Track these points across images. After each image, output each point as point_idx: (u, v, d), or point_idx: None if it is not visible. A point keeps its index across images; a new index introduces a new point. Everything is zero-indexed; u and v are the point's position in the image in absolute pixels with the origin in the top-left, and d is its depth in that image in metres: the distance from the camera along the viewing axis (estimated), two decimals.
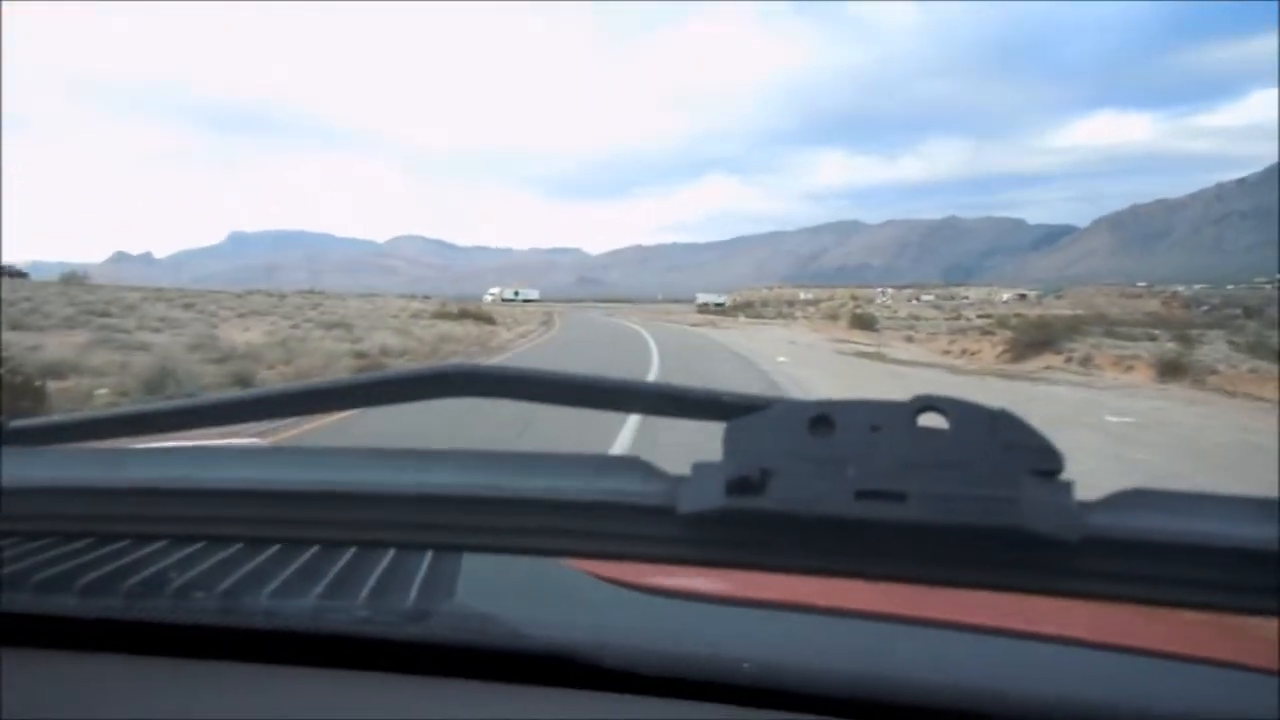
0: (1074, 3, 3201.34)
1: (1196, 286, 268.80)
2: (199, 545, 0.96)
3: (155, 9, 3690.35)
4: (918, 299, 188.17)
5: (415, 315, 47.01)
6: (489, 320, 47.14)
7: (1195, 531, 0.50)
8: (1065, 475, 0.53)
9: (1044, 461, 0.53)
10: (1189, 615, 1.01)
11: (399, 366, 17.56)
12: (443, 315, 46.93)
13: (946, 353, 34.25)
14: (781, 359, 25.89)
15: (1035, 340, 29.51)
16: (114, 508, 0.68)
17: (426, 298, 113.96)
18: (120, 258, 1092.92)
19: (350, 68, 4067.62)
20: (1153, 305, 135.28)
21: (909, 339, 44.21)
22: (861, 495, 0.52)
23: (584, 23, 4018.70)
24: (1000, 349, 31.39)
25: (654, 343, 33.09)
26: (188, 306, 38.80)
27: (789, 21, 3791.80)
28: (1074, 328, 33.50)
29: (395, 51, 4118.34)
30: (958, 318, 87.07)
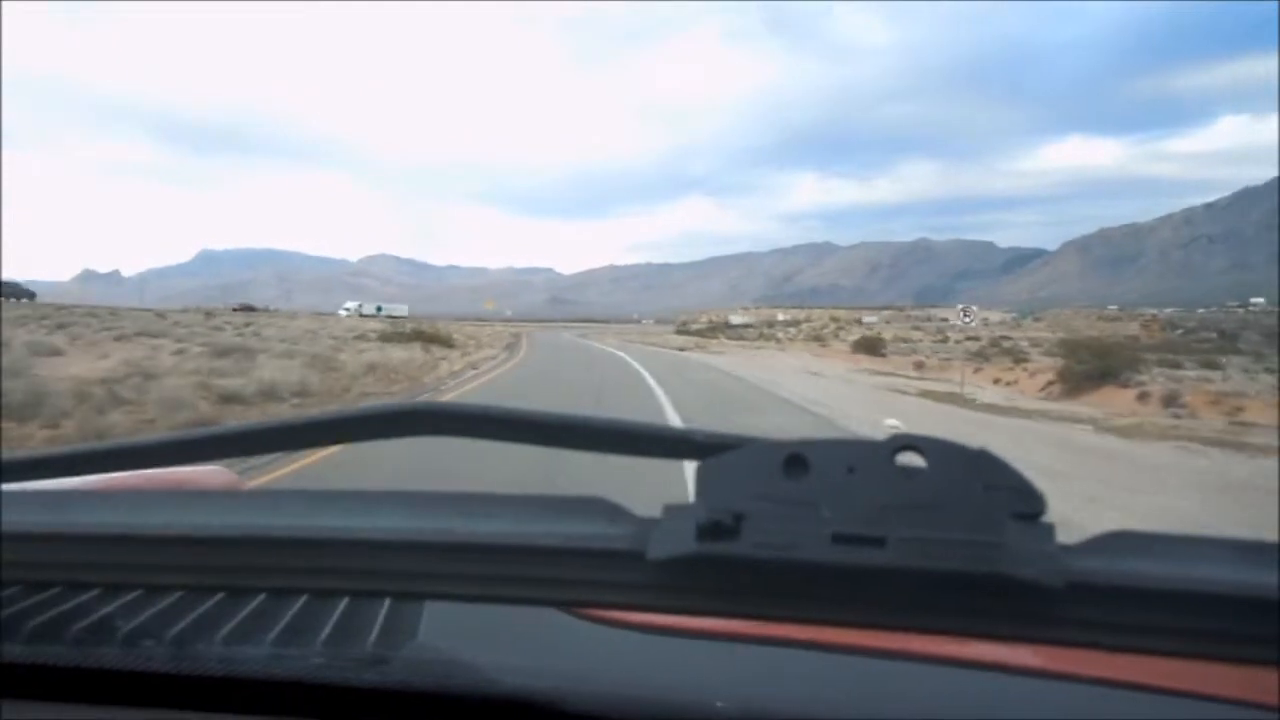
0: (1044, 27, 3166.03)
1: (1167, 310, 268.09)
2: (139, 592, 0.92)
3: (125, 23, 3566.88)
4: (887, 321, 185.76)
5: (360, 337, 41.54)
6: (446, 343, 41.13)
7: (1186, 577, 0.49)
8: (1046, 518, 0.52)
9: (1026, 504, 0.52)
10: None
11: (273, 415, 14.86)
12: (391, 338, 40.71)
13: (996, 381, 29.66)
14: (856, 410, 18.00)
15: (1094, 370, 24.53)
16: (49, 554, 0.66)
17: (392, 316, 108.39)
18: (88, 276, 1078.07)
19: (322, 85, 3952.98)
20: (1132, 329, 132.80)
21: (919, 364, 40.23)
22: (839, 539, 0.51)
23: (557, 42, 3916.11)
24: (1045, 380, 26.87)
25: (650, 378, 25.59)
26: (61, 327, 32.19)
27: (761, 43, 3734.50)
28: (1130, 353, 28.43)
29: (368, 69, 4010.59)
30: (945, 340, 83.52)
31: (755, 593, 0.54)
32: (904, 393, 24.23)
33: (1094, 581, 0.49)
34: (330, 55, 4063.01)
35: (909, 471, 0.53)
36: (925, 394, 23.96)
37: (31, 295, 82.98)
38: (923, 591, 0.51)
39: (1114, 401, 21.31)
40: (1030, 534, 0.50)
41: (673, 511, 0.55)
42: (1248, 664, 0.52)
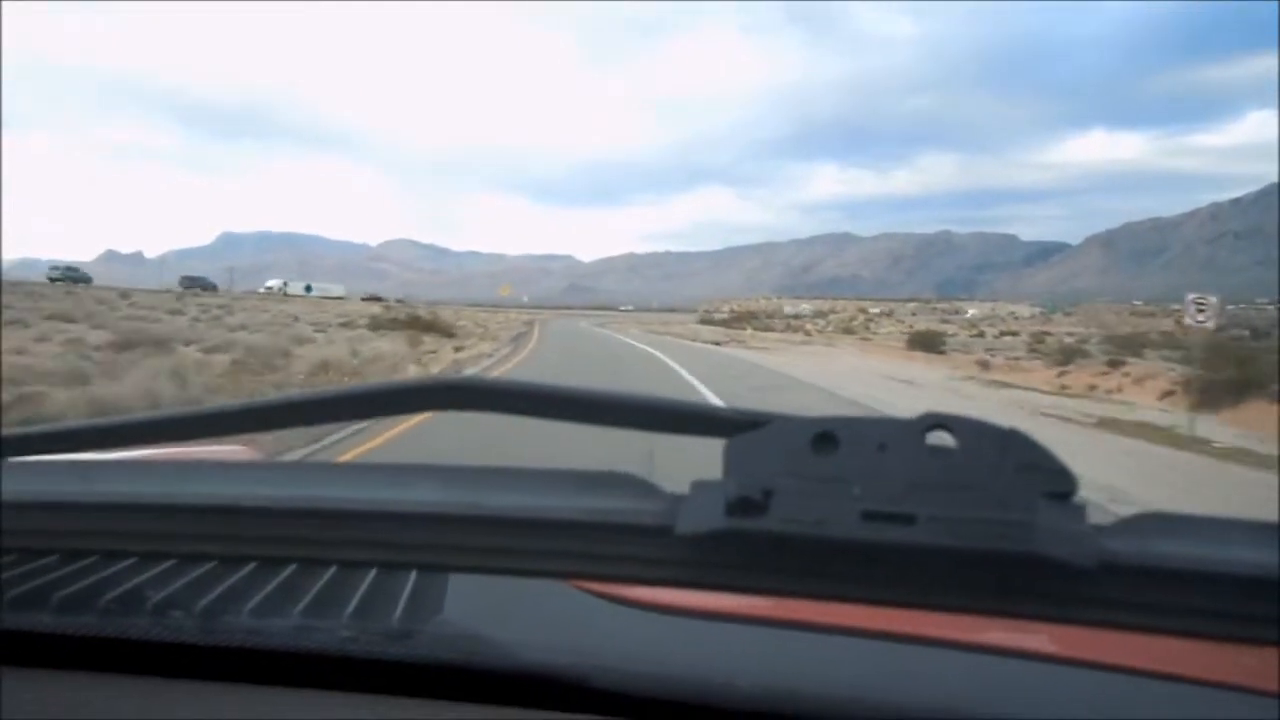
0: (1067, 20, 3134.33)
1: (1163, 307, 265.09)
2: (172, 563, 0.93)
3: (148, 8, 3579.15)
4: (913, 314, 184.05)
5: (348, 324, 37.22)
6: (445, 333, 35.92)
7: (1220, 559, 0.49)
8: (1078, 498, 0.51)
9: (1058, 484, 0.51)
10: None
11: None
12: (385, 325, 35.78)
13: (1065, 389, 24.20)
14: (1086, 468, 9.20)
15: (1235, 380, 18.54)
16: (83, 523, 0.66)
17: (399, 301, 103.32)
18: (111, 256, 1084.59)
19: (344, 71, 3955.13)
20: (1166, 324, 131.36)
21: (983, 363, 35.66)
22: (868, 517, 0.51)
23: (578, 33, 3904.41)
24: (1161, 390, 21.70)
25: (706, 389, 18.34)
26: None
27: (781, 32, 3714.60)
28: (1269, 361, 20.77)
29: (388, 55, 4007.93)
30: (981, 334, 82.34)
31: (783, 569, 0.54)
32: (1065, 420, 16.18)
33: (1127, 562, 0.49)
34: (353, 44, 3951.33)
35: (940, 450, 0.53)
36: (1105, 424, 15.62)
37: (214, 287, 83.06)
38: (953, 570, 0.51)
39: (1266, 420, 15.63)
40: (1062, 514, 0.50)
41: (701, 487, 0.55)
42: (1273, 645, 0.52)
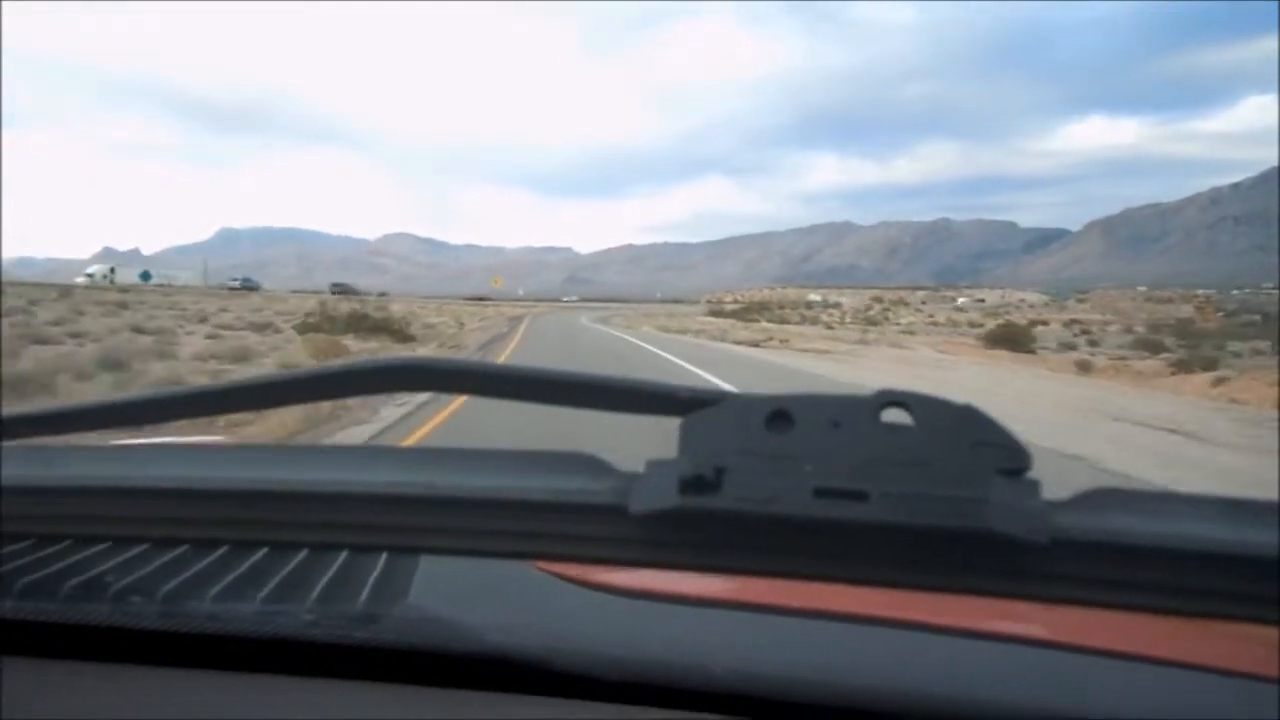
0: (1065, 5, 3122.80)
1: (1199, 292, 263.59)
2: (142, 548, 0.92)
3: (146, 5, 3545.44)
4: (923, 302, 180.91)
5: (267, 326, 29.55)
6: (401, 337, 27.53)
7: (1171, 533, 0.49)
8: (1031, 474, 0.51)
9: (1011, 460, 0.51)
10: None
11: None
12: (314, 328, 26.76)
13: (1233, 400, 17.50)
14: None
15: None
16: (44, 508, 0.66)
17: (386, 294, 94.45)
18: (108, 254, 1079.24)
19: (342, 65, 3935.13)
20: (1185, 311, 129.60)
21: (1083, 365, 28.11)
22: (820, 494, 0.51)
23: (574, 20, 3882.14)
24: None
25: None
26: None
27: (780, 21, 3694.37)
28: None
29: (386, 49, 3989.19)
30: (1085, 330, 75.40)
31: (737, 547, 0.54)
32: None
33: (1079, 537, 0.49)
34: (351, 38, 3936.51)
35: (895, 428, 0.52)
36: None
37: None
38: (906, 547, 0.51)
39: None
40: (1015, 490, 0.50)
41: (655, 466, 0.55)
42: (1232, 621, 0.52)
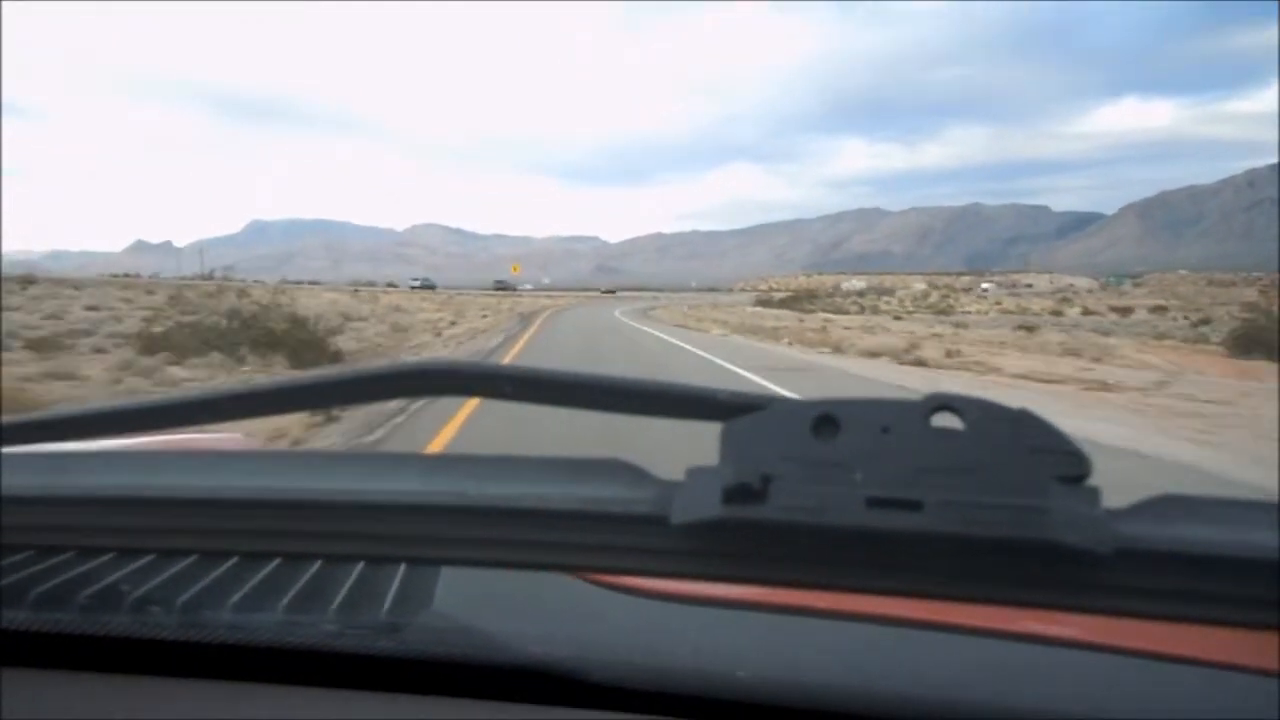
0: None
1: (1242, 275, 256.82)
2: (151, 557, 0.90)
3: None
4: (985, 289, 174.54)
5: (87, 332, 20.44)
6: (326, 355, 16.25)
7: (1237, 542, 0.47)
8: (1091, 481, 0.49)
9: (1071, 467, 0.49)
10: None
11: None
12: (166, 344, 15.64)
13: None
14: None
15: None
16: (58, 518, 0.64)
17: (400, 286, 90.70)
18: (140, 246, 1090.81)
19: (371, 56, 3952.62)
20: (1249, 295, 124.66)
21: None
22: (873, 503, 0.48)
23: (602, 7, 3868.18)
24: None
25: None
26: None
27: (809, 5, 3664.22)
28: None
29: (414, 39, 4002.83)
30: (1088, 313, 71.10)
31: (784, 559, 0.52)
32: None
33: (1143, 547, 0.47)
34: (379, 29, 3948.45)
35: (946, 433, 0.50)
36: None
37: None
38: (962, 558, 0.49)
39: None
40: (1076, 498, 0.48)
41: (697, 474, 0.53)
42: None
